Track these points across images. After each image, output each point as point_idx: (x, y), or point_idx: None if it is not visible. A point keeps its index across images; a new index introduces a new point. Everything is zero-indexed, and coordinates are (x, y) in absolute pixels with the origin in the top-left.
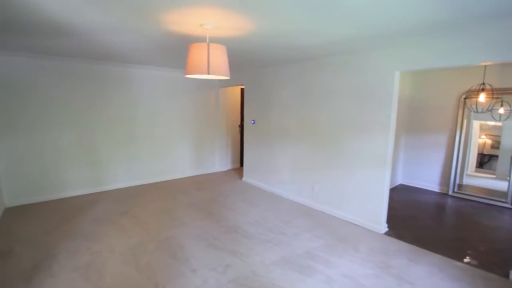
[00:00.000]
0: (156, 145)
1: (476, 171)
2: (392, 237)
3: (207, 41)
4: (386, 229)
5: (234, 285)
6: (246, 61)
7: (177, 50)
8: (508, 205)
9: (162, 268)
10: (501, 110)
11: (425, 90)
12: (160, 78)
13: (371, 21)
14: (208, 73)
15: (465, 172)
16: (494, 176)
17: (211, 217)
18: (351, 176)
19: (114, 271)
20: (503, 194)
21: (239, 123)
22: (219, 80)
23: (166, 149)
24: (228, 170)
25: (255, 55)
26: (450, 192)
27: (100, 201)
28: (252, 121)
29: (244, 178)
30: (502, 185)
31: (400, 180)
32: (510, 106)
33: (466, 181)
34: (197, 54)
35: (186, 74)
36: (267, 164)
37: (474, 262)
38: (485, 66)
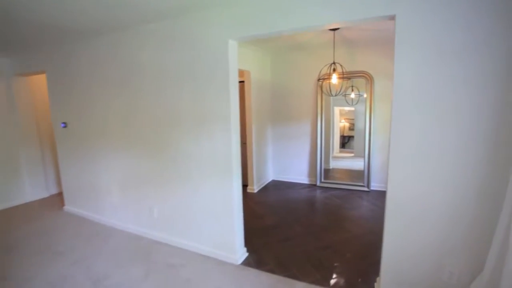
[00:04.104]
0: None
1: (340, 152)
2: (251, 267)
3: None
4: (245, 255)
5: None
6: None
7: None
8: (366, 188)
9: None
10: (352, 95)
11: (285, 75)
12: None
13: None
14: None
15: (330, 155)
16: (353, 154)
17: None
18: (195, 190)
19: None
20: (360, 176)
21: None
22: (11, 65)
23: None
24: (51, 195)
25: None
26: (318, 183)
27: None
28: (62, 124)
29: (66, 207)
30: (359, 164)
31: (271, 176)
32: (359, 91)
33: (332, 163)
34: None
35: None
36: (93, 183)
37: (341, 281)
38: (334, 44)
